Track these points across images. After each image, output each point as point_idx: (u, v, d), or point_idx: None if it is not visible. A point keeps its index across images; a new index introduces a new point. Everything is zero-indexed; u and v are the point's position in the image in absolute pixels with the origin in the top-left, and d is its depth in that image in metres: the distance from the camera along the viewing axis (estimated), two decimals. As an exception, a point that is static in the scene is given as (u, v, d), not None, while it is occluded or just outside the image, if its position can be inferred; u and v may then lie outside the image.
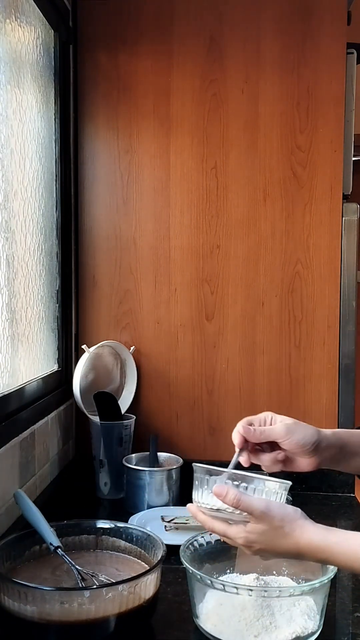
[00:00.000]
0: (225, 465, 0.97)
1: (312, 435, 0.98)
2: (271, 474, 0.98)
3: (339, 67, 1.63)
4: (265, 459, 0.99)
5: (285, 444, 0.97)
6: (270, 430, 0.98)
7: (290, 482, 0.95)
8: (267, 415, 1.00)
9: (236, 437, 0.98)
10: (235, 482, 0.91)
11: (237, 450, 0.98)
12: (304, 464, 1.00)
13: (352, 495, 1.65)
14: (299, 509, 0.89)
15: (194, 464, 0.96)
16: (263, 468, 1.01)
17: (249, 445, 0.99)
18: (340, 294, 1.66)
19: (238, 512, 0.88)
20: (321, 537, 0.86)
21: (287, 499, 0.96)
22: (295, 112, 1.64)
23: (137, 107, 1.68)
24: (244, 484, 0.92)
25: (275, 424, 0.99)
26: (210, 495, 0.90)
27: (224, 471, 0.93)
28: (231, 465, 0.96)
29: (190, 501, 0.95)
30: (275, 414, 1.00)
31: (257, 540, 0.88)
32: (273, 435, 0.97)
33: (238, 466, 0.97)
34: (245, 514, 0.88)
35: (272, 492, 0.92)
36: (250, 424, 0.99)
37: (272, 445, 0.99)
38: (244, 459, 0.98)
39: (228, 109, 1.66)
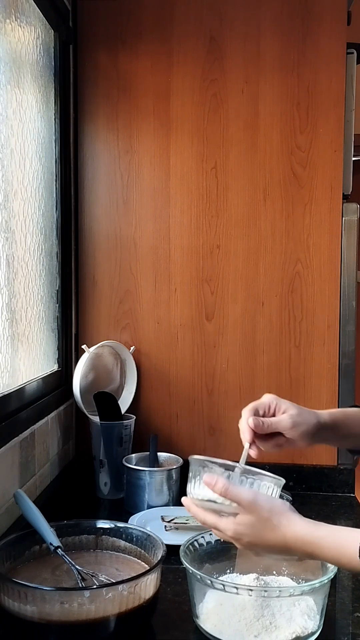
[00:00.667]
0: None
1: (314, 425, 1.03)
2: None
3: (339, 67, 1.63)
4: (267, 445, 1.03)
5: (289, 434, 1.02)
6: (277, 423, 1.01)
7: (284, 480, 0.96)
8: (271, 401, 1.03)
9: (246, 431, 1.00)
10: (229, 472, 0.92)
11: (245, 444, 1.00)
12: (300, 445, 1.04)
13: (352, 495, 1.65)
14: (287, 502, 0.90)
15: (190, 456, 0.97)
16: (263, 449, 1.03)
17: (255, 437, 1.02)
18: (340, 294, 1.66)
19: (228, 502, 0.89)
20: (308, 530, 0.86)
21: (287, 499, 0.96)
22: (295, 112, 1.64)
23: (137, 107, 1.68)
24: (240, 478, 0.93)
25: (280, 413, 1.02)
26: (203, 487, 0.91)
27: (218, 461, 0.94)
28: (242, 459, 0.98)
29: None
30: (278, 398, 1.03)
31: (245, 532, 0.88)
32: (280, 427, 1.02)
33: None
34: (235, 505, 0.88)
35: (265, 487, 0.93)
36: (256, 412, 1.02)
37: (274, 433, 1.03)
38: (254, 452, 1.00)
39: (228, 109, 1.66)
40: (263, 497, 0.89)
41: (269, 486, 0.94)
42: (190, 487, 0.95)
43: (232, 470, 0.94)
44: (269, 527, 0.87)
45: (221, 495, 0.88)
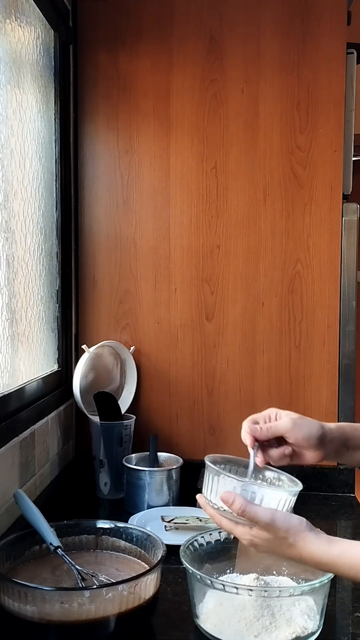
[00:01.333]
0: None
1: (317, 429, 1.00)
2: (282, 469, 1.00)
3: (339, 67, 1.63)
4: (274, 455, 1.01)
5: (292, 438, 0.99)
6: (277, 426, 0.99)
7: (300, 486, 0.96)
8: (271, 411, 1.02)
9: (246, 438, 1.00)
10: (244, 489, 0.92)
11: (250, 451, 0.99)
12: (309, 457, 1.01)
13: (352, 495, 1.65)
14: (304, 520, 0.89)
15: (206, 458, 0.97)
16: (271, 463, 1.02)
17: (259, 444, 1.00)
18: (340, 294, 1.66)
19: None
20: (323, 550, 0.87)
21: None
22: (295, 112, 1.64)
23: (137, 107, 1.68)
24: (252, 491, 0.92)
25: (280, 419, 1.00)
26: (219, 497, 0.91)
27: (233, 477, 0.94)
28: (250, 468, 0.97)
29: (193, 495, 0.97)
30: (279, 409, 1.02)
31: (261, 544, 0.90)
32: (280, 429, 0.99)
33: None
34: None
35: (282, 499, 0.93)
36: (256, 422, 1.01)
37: (279, 441, 1.01)
38: (259, 460, 0.99)
39: (228, 109, 1.66)
40: (280, 517, 0.88)
41: (287, 498, 0.93)
42: (206, 492, 0.95)
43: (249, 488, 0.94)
44: (285, 545, 0.88)
45: (239, 515, 0.89)
